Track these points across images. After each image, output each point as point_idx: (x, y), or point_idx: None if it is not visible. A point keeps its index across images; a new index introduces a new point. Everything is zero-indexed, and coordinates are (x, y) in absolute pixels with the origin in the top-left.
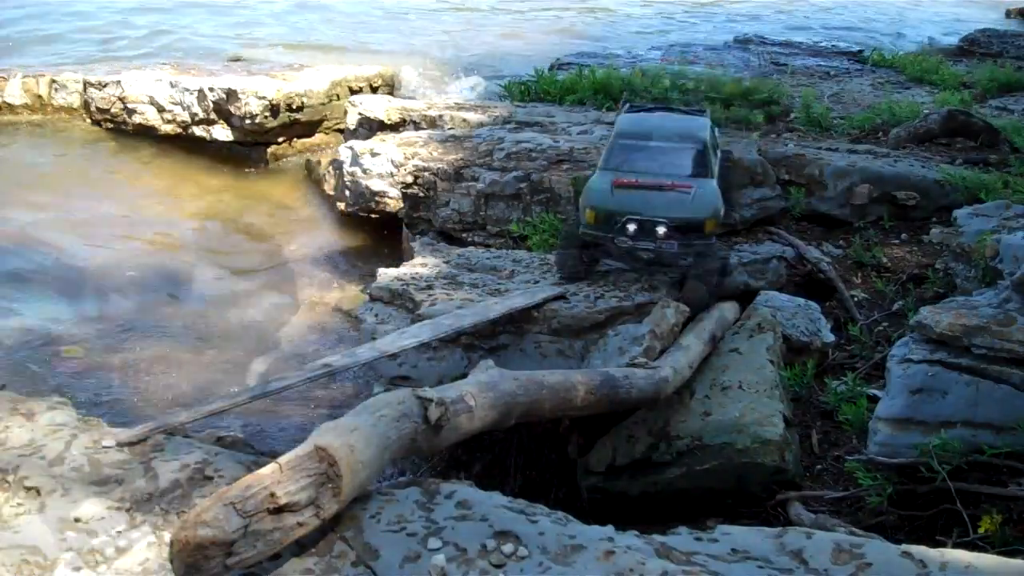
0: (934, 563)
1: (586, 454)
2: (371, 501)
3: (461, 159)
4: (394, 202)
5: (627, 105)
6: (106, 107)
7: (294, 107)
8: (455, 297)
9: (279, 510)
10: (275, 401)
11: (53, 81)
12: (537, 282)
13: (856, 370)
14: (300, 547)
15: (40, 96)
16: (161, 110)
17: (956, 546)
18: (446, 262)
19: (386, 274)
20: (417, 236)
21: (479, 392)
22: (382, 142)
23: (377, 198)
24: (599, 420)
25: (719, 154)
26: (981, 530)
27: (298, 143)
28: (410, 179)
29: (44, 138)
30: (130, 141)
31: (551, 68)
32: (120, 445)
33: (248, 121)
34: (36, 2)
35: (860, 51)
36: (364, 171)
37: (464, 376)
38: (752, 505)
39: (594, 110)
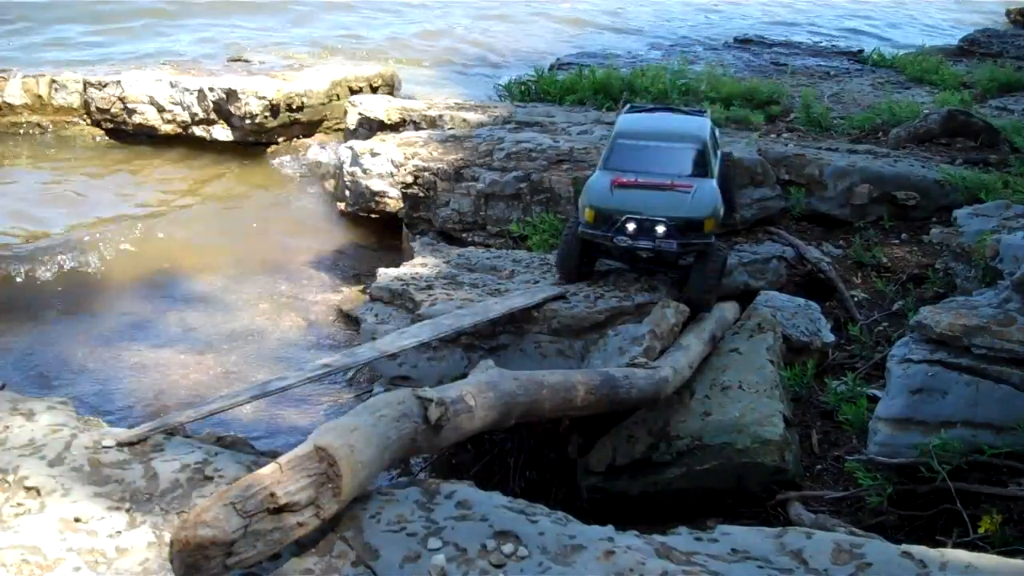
0: (934, 563)
1: (586, 454)
2: (371, 501)
3: (461, 159)
4: (394, 202)
5: (627, 105)
6: (106, 107)
7: (294, 107)
8: (455, 297)
9: (279, 510)
10: (275, 401)
11: (53, 81)
12: (537, 282)
13: (856, 370)
14: (300, 547)
15: (40, 96)
16: (161, 110)
17: (956, 546)
18: (446, 262)
19: (386, 274)
20: (417, 236)
21: (479, 392)
22: (382, 142)
23: (377, 198)
24: (599, 420)
25: (719, 155)
26: (981, 530)
27: (298, 143)
28: (410, 179)
29: (44, 138)
30: (130, 141)
31: (551, 68)
32: (120, 445)
33: (248, 121)
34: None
35: (860, 51)
36: (364, 171)
37: (464, 376)
38: (752, 505)
39: (594, 110)
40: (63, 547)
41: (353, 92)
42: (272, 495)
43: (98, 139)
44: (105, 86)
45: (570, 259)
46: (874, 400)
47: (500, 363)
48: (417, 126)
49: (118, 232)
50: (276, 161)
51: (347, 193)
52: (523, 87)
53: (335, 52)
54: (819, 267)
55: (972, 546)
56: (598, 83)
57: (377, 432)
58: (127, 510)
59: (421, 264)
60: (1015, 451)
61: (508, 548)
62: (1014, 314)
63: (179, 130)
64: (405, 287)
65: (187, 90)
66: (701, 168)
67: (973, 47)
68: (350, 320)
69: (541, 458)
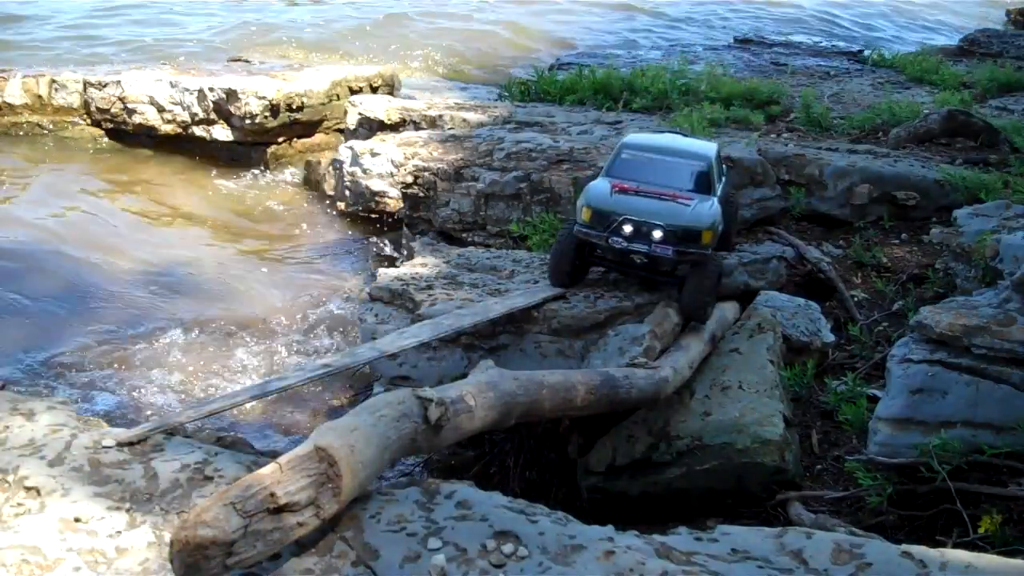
0: (934, 563)
1: (586, 454)
2: (371, 501)
3: (461, 159)
4: (394, 202)
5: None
6: (106, 107)
7: (294, 107)
8: (455, 297)
9: (279, 510)
10: (275, 401)
11: (53, 81)
12: (537, 282)
13: (856, 370)
14: (300, 547)
15: (40, 96)
16: (161, 110)
17: (956, 546)
18: (446, 262)
19: (386, 274)
20: (417, 236)
21: (479, 392)
22: (382, 142)
23: (377, 198)
24: (599, 420)
25: (724, 182)
26: (981, 530)
27: (298, 143)
28: (410, 179)
29: (44, 138)
30: (130, 141)
31: (551, 68)
32: (120, 445)
33: (248, 121)
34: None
35: (860, 51)
36: (364, 171)
37: (464, 376)
38: (752, 505)
39: (594, 110)
40: (63, 547)
41: (353, 92)
42: (272, 495)
43: (98, 139)
44: (105, 86)
45: (564, 262)
46: (874, 400)
47: (500, 363)
48: (417, 126)
49: (118, 231)
50: (276, 161)
51: (347, 193)
52: (523, 87)
53: (335, 52)
54: (819, 267)
55: (972, 546)
56: (598, 83)
57: (377, 432)
58: (127, 510)
59: (421, 264)
60: (1015, 451)
61: (508, 548)
62: (1014, 314)
63: (179, 130)
64: (405, 287)
65: (187, 90)
66: (704, 186)
67: (973, 47)
68: (350, 320)
69: (541, 458)
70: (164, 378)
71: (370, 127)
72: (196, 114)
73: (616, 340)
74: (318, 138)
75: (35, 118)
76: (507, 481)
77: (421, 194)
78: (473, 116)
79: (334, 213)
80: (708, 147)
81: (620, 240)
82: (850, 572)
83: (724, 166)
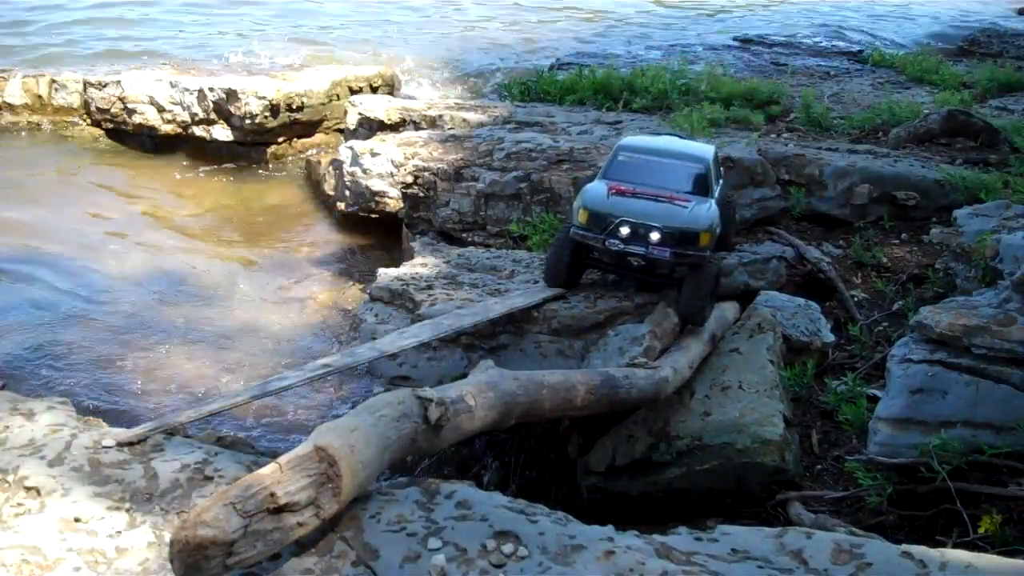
0: (934, 563)
1: (586, 454)
2: (371, 501)
3: (461, 159)
4: (394, 202)
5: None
6: (106, 107)
7: (294, 107)
8: (455, 297)
9: (279, 510)
10: (275, 401)
11: (53, 81)
12: (537, 282)
13: (856, 370)
14: (300, 547)
15: (40, 96)
16: (161, 110)
17: (956, 546)
18: (446, 262)
19: (386, 274)
20: (417, 236)
21: (479, 392)
22: (382, 142)
23: (377, 198)
24: (599, 420)
25: (721, 185)
26: (981, 530)
27: (298, 143)
28: (410, 179)
29: (44, 138)
30: (130, 141)
31: (551, 68)
32: (120, 445)
33: (248, 121)
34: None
35: (860, 51)
36: (364, 171)
37: (464, 376)
38: (752, 505)
39: (594, 110)
40: (63, 547)
41: (353, 92)
42: (272, 495)
43: (98, 139)
44: (105, 86)
45: (560, 264)
46: (874, 400)
47: (500, 363)
48: (417, 126)
49: (117, 232)
50: (276, 161)
51: (347, 193)
52: (523, 87)
53: (335, 52)
54: (819, 267)
55: (972, 546)
56: (598, 83)
57: (377, 432)
58: (127, 510)
59: (421, 264)
60: (1015, 451)
61: (508, 548)
62: (1014, 314)
63: (179, 130)
64: (405, 287)
65: (187, 90)
66: (701, 188)
67: (973, 47)
68: (350, 320)
69: (541, 458)
70: (164, 378)
71: (370, 127)
72: (196, 114)
73: (616, 340)
74: (318, 138)
75: (35, 118)
76: (507, 481)
77: (421, 194)
78: (473, 116)
79: (334, 213)
80: (706, 149)
81: (617, 242)
82: (850, 572)
83: (721, 168)
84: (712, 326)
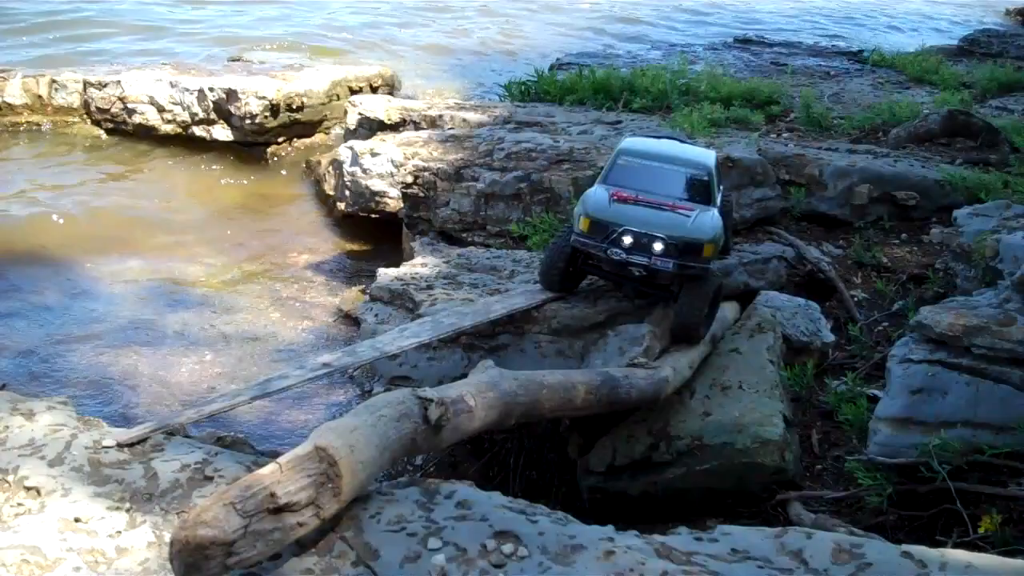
0: (934, 563)
1: (586, 454)
2: (371, 501)
3: (461, 159)
4: (394, 202)
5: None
6: (106, 107)
7: (294, 107)
8: (455, 297)
9: (279, 510)
10: (275, 401)
11: (53, 81)
12: (537, 282)
13: (856, 370)
14: (300, 547)
15: (40, 96)
16: (161, 110)
17: (956, 546)
18: (446, 262)
19: (386, 274)
20: (417, 236)
21: (479, 392)
22: (382, 142)
23: (377, 198)
24: (599, 420)
25: (722, 191)
26: (981, 530)
27: (298, 143)
28: (410, 179)
29: (44, 138)
30: (130, 141)
31: (551, 68)
32: (120, 445)
33: (248, 121)
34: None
35: (860, 51)
36: (364, 171)
37: (464, 376)
38: (752, 505)
39: (594, 110)
40: (63, 547)
41: (353, 92)
42: (272, 495)
43: (98, 139)
44: (105, 86)
45: (555, 268)
46: (874, 400)
47: (500, 363)
48: (417, 126)
49: (117, 232)
50: (276, 161)
51: (347, 193)
52: (523, 87)
53: (335, 52)
54: (819, 267)
55: (972, 546)
56: (598, 83)
57: (377, 432)
58: (127, 510)
59: (421, 264)
60: (1015, 451)
61: (508, 548)
62: (1014, 314)
63: (179, 130)
64: (405, 287)
65: (187, 90)
66: (704, 195)
67: (973, 47)
68: (350, 320)
69: (541, 458)
70: (163, 379)
71: (370, 127)
72: (196, 114)
73: (616, 340)
74: (318, 138)
75: (35, 118)
76: (507, 481)
77: (421, 194)
78: (473, 116)
79: (334, 213)
80: (708, 155)
81: (619, 251)
82: (850, 572)
83: (721, 176)
84: (712, 326)
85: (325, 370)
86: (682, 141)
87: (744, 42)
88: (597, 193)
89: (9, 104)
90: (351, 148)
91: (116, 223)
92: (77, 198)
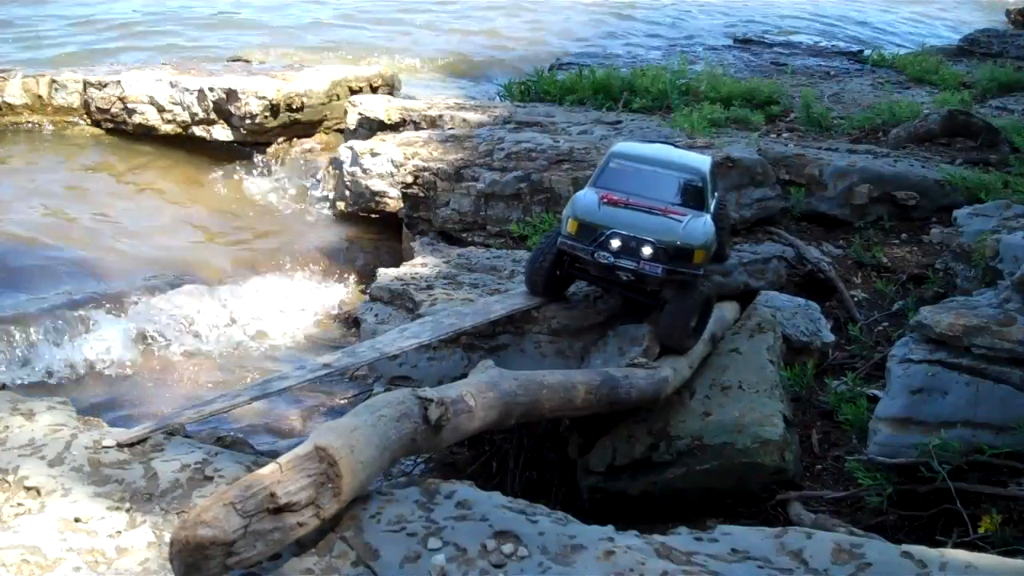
0: (934, 563)
1: (586, 454)
2: (371, 501)
3: (461, 159)
4: (394, 202)
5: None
6: (106, 107)
7: (294, 107)
8: (455, 297)
9: (279, 510)
10: (275, 401)
11: (53, 81)
12: None
13: (856, 370)
14: (300, 547)
15: (40, 96)
16: (161, 110)
17: (956, 546)
18: (446, 262)
19: (386, 274)
20: (417, 236)
21: (479, 392)
22: (382, 142)
23: (377, 198)
24: (599, 420)
25: (716, 198)
26: (981, 530)
27: (298, 143)
28: (410, 179)
29: (44, 138)
30: (130, 141)
31: (551, 68)
32: (120, 445)
33: (248, 121)
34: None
35: (860, 51)
36: (364, 171)
37: (464, 376)
38: (752, 505)
39: (594, 110)
40: (63, 547)
41: (353, 92)
42: (272, 495)
43: (98, 139)
44: (105, 86)
45: (540, 271)
46: (874, 400)
47: (500, 363)
48: (417, 126)
49: (117, 232)
50: (276, 161)
51: (347, 193)
52: (523, 87)
53: (335, 52)
54: (819, 267)
55: (972, 546)
56: (598, 83)
57: (377, 432)
58: (127, 510)
59: (421, 264)
60: (1015, 451)
61: (508, 548)
62: (1014, 314)
63: (179, 130)
64: (405, 287)
65: (187, 90)
66: (697, 201)
67: (973, 47)
68: (350, 320)
69: (541, 458)
70: (164, 379)
71: (370, 127)
72: (196, 114)
73: (616, 340)
74: (318, 138)
75: (35, 118)
76: (507, 481)
77: (421, 194)
78: (473, 116)
79: (334, 213)
80: (702, 160)
81: (607, 255)
82: (850, 572)
83: (716, 181)
84: (712, 326)
85: (325, 371)
86: (676, 147)
87: (744, 42)
88: (587, 195)
89: (9, 104)
90: (351, 148)
91: (115, 223)
92: (76, 197)
